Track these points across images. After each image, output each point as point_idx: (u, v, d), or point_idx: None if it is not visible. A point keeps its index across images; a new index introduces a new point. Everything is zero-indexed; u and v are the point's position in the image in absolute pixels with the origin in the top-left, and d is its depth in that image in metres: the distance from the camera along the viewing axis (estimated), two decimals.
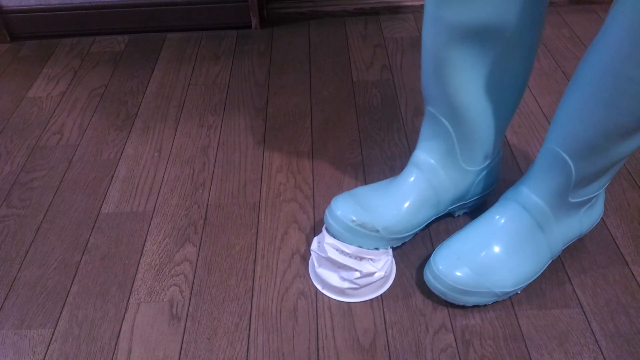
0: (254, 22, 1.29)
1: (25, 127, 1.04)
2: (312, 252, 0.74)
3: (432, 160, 0.72)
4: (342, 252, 0.70)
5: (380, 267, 0.70)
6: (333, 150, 0.95)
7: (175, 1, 1.25)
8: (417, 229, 0.75)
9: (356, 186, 0.88)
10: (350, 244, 0.71)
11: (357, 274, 0.69)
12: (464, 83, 0.63)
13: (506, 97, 0.67)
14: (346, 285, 0.70)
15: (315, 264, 0.72)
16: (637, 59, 0.52)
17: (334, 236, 0.72)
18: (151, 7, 1.26)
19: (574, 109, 0.60)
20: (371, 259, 0.70)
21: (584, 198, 0.67)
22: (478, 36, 0.59)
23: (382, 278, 0.70)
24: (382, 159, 0.93)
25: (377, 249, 0.72)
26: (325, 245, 0.71)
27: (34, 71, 1.19)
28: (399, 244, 0.76)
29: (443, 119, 0.68)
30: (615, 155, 0.61)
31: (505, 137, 0.96)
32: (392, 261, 0.74)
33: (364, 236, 0.71)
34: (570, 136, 0.61)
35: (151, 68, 1.19)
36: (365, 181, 0.88)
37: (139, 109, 1.07)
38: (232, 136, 0.99)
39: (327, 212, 0.73)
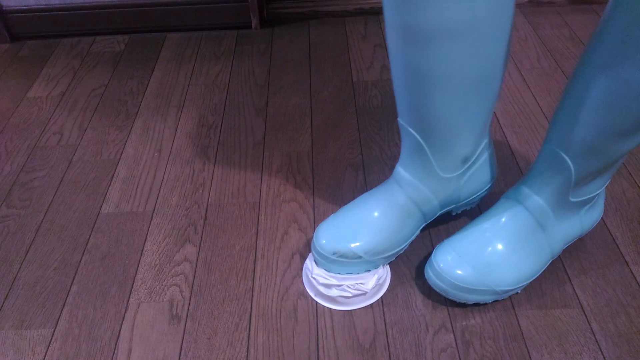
0: (254, 22, 1.29)
1: (25, 127, 1.04)
2: (305, 265, 0.74)
3: (409, 176, 0.70)
4: (330, 280, 0.71)
5: (373, 285, 0.70)
6: (333, 150, 0.95)
7: (175, 1, 1.25)
8: (406, 243, 0.73)
9: (356, 186, 0.88)
10: (339, 273, 0.71)
11: (349, 294, 0.69)
12: (431, 91, 0.60)
13: (479, 99, 0.63)
14: (336, 293, 0.70)
15: (309, 272, 0.72)
16: (631, 61, 0.52)
17: (321, 267, 0.72)
18: (151, 7, 1.26)
19: (571, 110, 0.60)
20: (361, 283, 0.70)
21: (585, 197, 0.67)
22: (442, 38, 0.55)
23: (373, 287, 0.70)
24: (382, 159, 0.93)
25: (368, 270, 0.71)
26: (314, 276, 0.71)
27: (34, 71, 1.19)
28: (393, 258, 0.75)
29: (412, 130, 0.66)
30: (615, 155, 0.61)
31: (505, 136, 0.96)
32: (385, 271, 0.73)
33: (350, 264, 0.70)
34: (568, 136, 0.61)
35: (151, 68, 1.19)
36: (365, 181, 0.88)
37: (139, 109, 1.07)
38: (232, 136, 0.99)
39: (312, 244, 0.73)
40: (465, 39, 0.55)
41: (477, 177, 0.73)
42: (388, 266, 0.74)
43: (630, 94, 0.54)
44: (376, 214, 0.71)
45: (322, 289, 0.70)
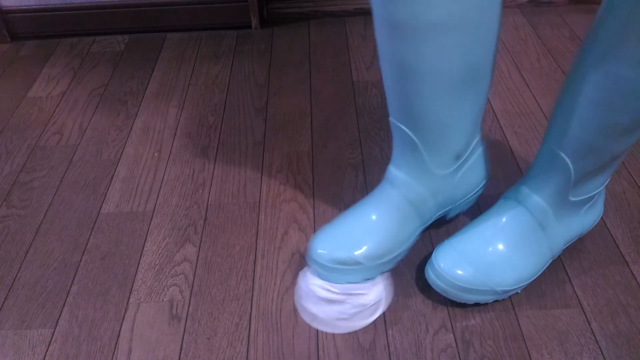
0: (254, 22, 1.29)
1: (25, 127, 1.04)
2: (297, 290, 0.72)
3: (403, 174, 0.69)
4: (330, 292, 0.69)
5: (373, 298, 0.69)
6: (333, 150, 0.95)
7: (175, 1, 1.25)
8: (404, 246, 0.72)
9: (356, 186, 0.88)
10: (338, 282, 0.69)
11: (349, 306, 0.68)
12: (421, 86, 0.60)
13: (470, 94, 0.62)
14: (336, 316, 0.68)
15: (302, 299, 0.70)
16: (627, 58, 0.52)
17: (319, 277, 0.70)
18: (151, 7, 1.26)
19: (569, 109, 0.60)
20: (362, 294, 0.69)
21: (585, 196, 0.67)
22: (430, 33, 0.55)
23: (374, 304, 0.69)
24: (382, 159, 0.93)
25: (369, 279, 0.70)
26: (311, 286, 0.69)
27: (34, 71, 1.19)
28: (393, 265, 0.73)
29: (404, 127, 0.65)
30: (613, 152, 0.61)
31: (505, 136, 0.96)
32: (385, 287, 0.71)
33: (349, 272, 0.68)
34: (566, 135, 0.61)
35: (151, 68, 1.19)
36: (365, 181, 0.88)
37: (139, 109, 1.07)
38: (232, 136, 0.99)
39: (308, 254, 0.71)
40: (453, 34, 0.55)
41: (471, 175, 0.73)
42: (388, 285, 0.72)
43: (625, 92, 0.54)
44: (373, 217, 0.70)
45: (320, 305, 0.69)
